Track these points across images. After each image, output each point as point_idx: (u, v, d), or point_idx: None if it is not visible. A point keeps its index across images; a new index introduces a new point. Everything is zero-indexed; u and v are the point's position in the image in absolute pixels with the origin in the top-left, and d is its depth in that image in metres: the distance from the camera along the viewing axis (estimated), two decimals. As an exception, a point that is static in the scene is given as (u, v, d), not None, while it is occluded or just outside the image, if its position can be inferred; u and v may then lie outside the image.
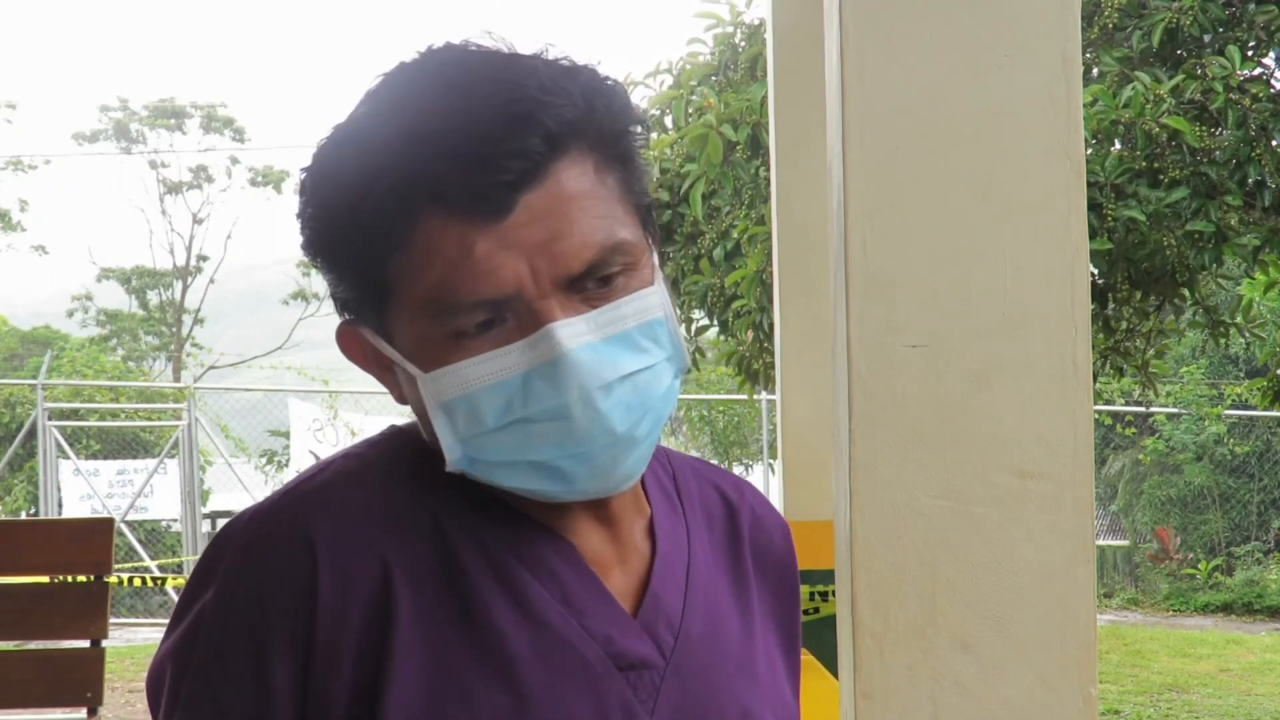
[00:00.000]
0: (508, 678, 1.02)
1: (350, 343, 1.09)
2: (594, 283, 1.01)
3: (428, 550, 1.04)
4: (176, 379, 22.85)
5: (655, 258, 1.08)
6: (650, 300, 1.04)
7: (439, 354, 1.01)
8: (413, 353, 1.02)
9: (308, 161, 1.06)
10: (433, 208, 0.98)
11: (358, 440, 1.14)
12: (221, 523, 14.32)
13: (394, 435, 1.13)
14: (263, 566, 1.02)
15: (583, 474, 1.02)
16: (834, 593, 2.86)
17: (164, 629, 1.15)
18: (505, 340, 1.00)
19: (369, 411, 14.09)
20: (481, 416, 1.00)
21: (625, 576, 1.11)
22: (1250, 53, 5.26)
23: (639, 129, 1.06)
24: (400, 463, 1.09)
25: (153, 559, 12.92)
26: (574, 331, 0.99)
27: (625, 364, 1.01)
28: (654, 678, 1.08)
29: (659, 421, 1.05)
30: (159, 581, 9.98)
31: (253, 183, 26.60)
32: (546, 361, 0.98)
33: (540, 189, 0.98)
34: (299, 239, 1.07)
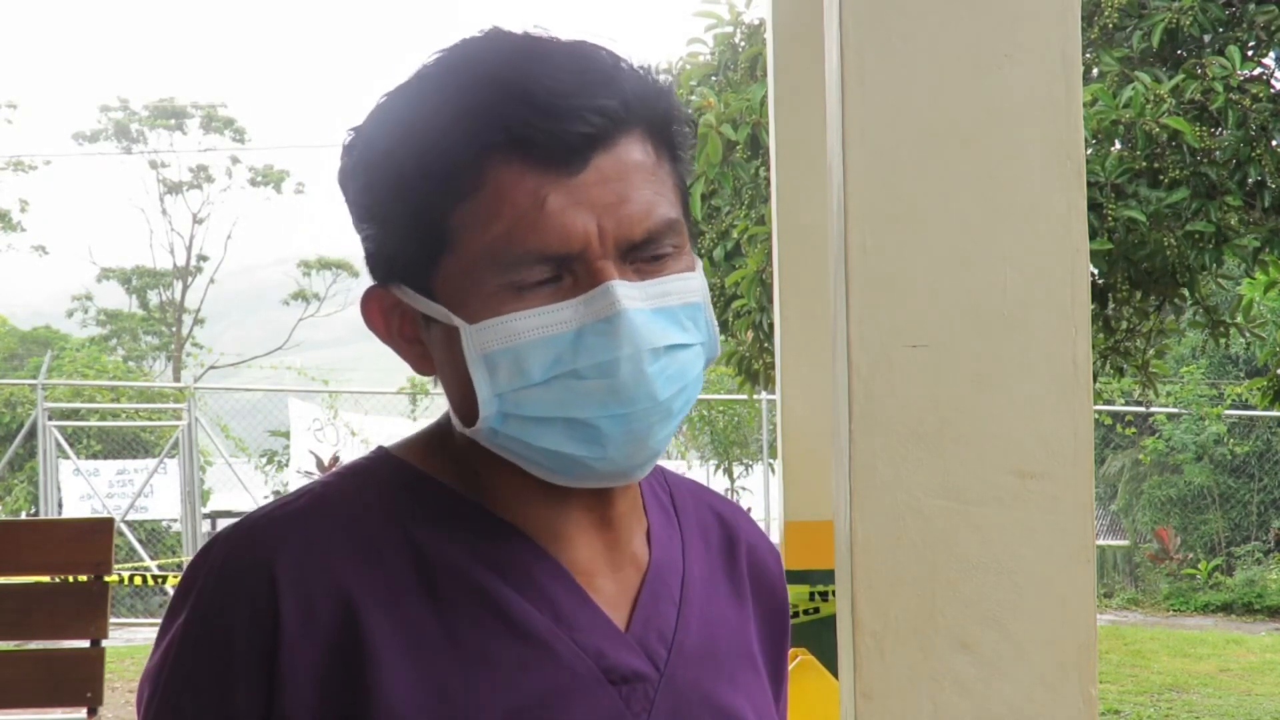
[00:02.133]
0: (500, 693, 1.03)
1: (374, 309, 1.09)
2: (647, 257, 1.03)
3: (404, 575, 1.04)
4: (176, 379, 22.85)
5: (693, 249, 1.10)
6: (692, 284, 1.06)
7: (490, 305, 1.01)
8: (459, 305, 1.02)
9: (359, 121, 1.07)
10: (508, 155, 0.99)
11: (348, 462, 1.15)
12: (222, 523, 14.35)
13: (380, 459, 1.13)
14: (228, 596, 1.03)
15: (618, 438, 1.02)
16: (834, 593, 2.86)
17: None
18: (561, 296, 1.01)
19: (369, 411, 14.08)
20: (527, 369, 1.01)
21: (619, 586, 1.11)
22: (1250, 53, 5.26)
23: (686, 127, 1.09)
24: (382, 487, 1.09)
25: (153, 559, 12.93)
26: (629, 294, 1.00)
27: (673, 335, 1.03)
28: (647, 690, 1.08)
29: (689, 403, 1.06)
30: (159, 581, 9.98)
31: (253, 183, 26.59)
32: (603, 318, 1.00)
33: (610, 154, 1.01)
34: (346, 198, 1.07)
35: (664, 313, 1.03)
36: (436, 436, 1.11)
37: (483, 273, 1.01)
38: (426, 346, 1.08)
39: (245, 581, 1.03)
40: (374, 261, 1.08)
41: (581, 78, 1.00)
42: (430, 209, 1.01)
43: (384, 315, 1.09)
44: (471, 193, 1.00)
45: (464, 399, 1.05)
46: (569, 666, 1.05)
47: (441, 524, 1.07)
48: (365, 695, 1.01)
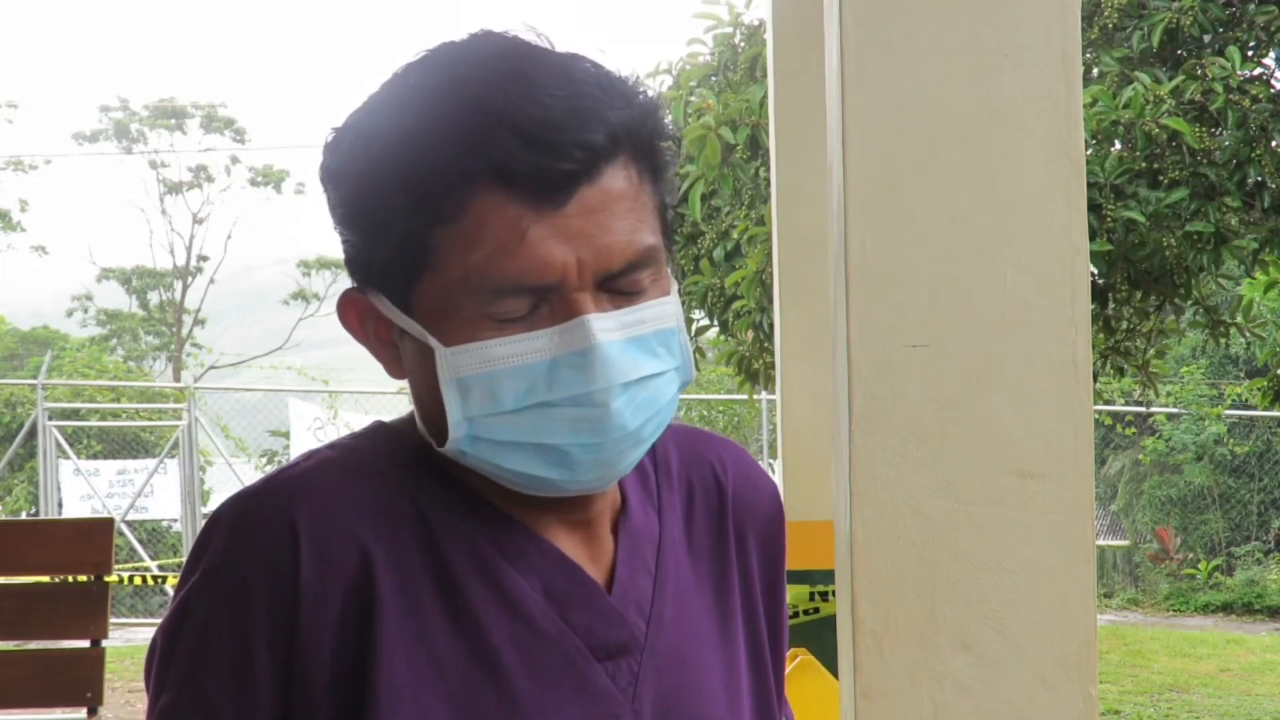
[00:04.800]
0: (492, 670, 1.04)
1: (351, 311, 1.09)
2: (624, 284, 1.03)
3: (412, 541, 1.05)
4: (177, 379, 22.83)
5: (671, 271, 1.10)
6: (667, 309, 1.06)
7: (466, 330, 1.01)
8: (435, 325, 1.03)
9: (339, 122, 1.06)
10: (493, 183, 0.98)
11: (344, 434, 1.15)
12: (221, 523, 14.32)
13: (379, 429, 1.13)
14: (246, 552, 1.03)
15: (588, 464, 1.03)
16: (834, 593, 2.86)
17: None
18: (536, 325, 1.01)
19: (369, 411, 14.07)
20: (500, 396, 1.01)
21: (595, 564, 1.12)
22: (1250, 53, 5.26)
23: (671, 144, 1.09)
24: (385, 455, 1.10)
25: (153, 559, 12.92)
26: (605, 326, 1.01)
27: (644, 366, 1.03)
28: (631, 664, 1.09)
29: (661, 426, 1.07)
30: (159, 581, 9.98)
31: (253, 183, 26.57)
32: (577, 351, 1.00)
33: (594, 185, 1.00)
34: (327, 199, 1.06)
35: (637, 342, 1.03)
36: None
37: (460, 297, 1.01)
38: (400, 351, 1.08)
39: (264, 535, 1.02)
40: (353, 267, 1.08)
41: (569, 106, 0.99)
42: (411, 228, 1.01)
43: (360, 318, 1.09)
44: (453, 217, 0.99)
45: (434, 416, 1.06)
46: (558, 645, 1.06)
47: (441, 492, 1.08)
48: (373, 651, 1.01)
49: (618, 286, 1.03)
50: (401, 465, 1.09)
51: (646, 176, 1.06)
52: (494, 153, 0.98)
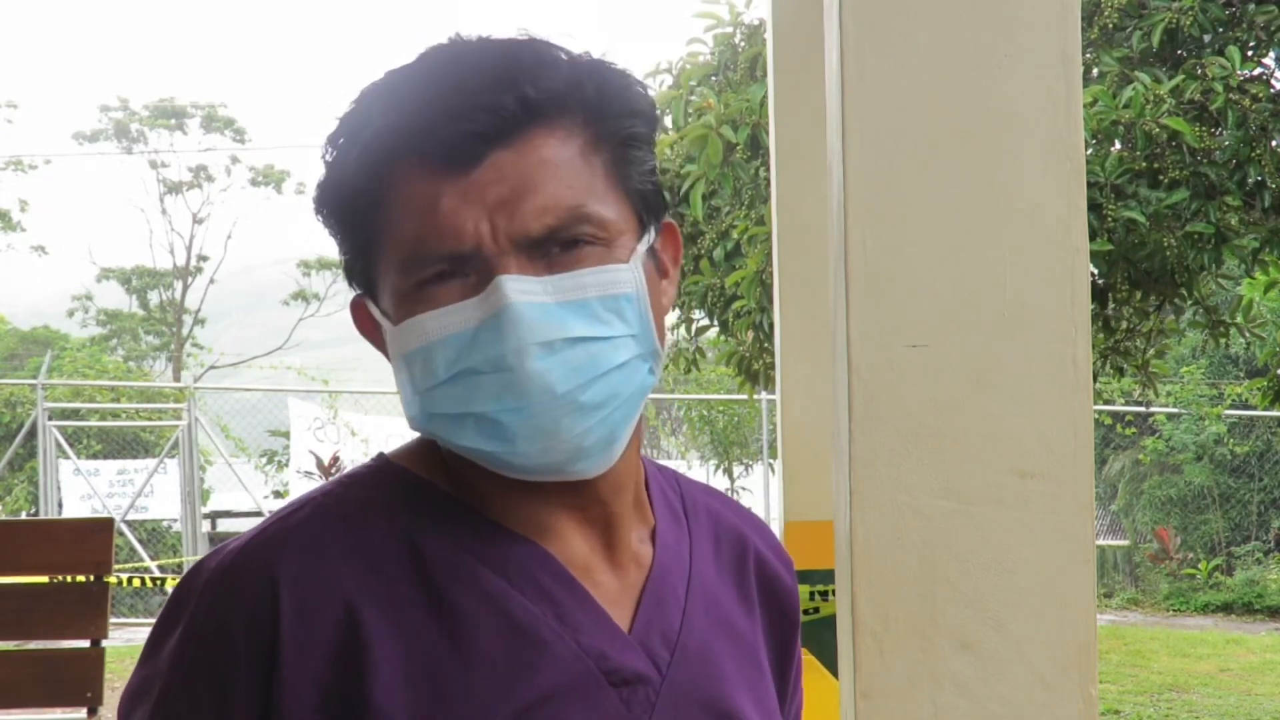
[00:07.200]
0: (503, 696, 1.03)
1: (361, 315, 1.11)
2: (558, 248, 1.02)
3: (408, 582, 1.04)
4: (177, 379, 22.82)
5: (644, 244, 1.07)
6: (618, 275, 1.04)
7: (407, 307, 1.03)
8: (389, 308, 1.05)
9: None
10: (409, 159, 1.01)
11: (346, 471, 1.15)
12: (222, 523, 14.36)
13: (379, 468, 1.13)
14: (227, 606, 1.03)
15: (523, 432, 1.01)
16: (834, 593, 2.86)
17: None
18: (465, 294, 1.02)
19: (369, 411, 14.08)
20: (435, 368, 1.02)
21: (622, 584, 1.11)
22: (1250, 53, 5.26)
23: (638, 118, 1.07)
24: (382, 495, 1.09)
25: (153, 559, 12.92)
26: (523, 288, 1.00)
27: (575, 329, 1.01)
28: (649, 694, 1.07)
29: (615, 396, 1.03)
30: (159, 581, 9.97)
31: (253, 183, 26.57)
32: (493, 313, 1.00)
33: (511, 150, 1.01)
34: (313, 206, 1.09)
35: (574, 305, 1.01)
36: (430, 443, 1.11)
37: (397, 276, 1.03)
38: None
39: (247, 593, 1.02)
40: (345, 272, 1.12)
41: (491, 74, 1.00)
42: (355, 219, 1.05)
43: (368, 317, 1.11)
44: (383, 200, 1.02)
45: None
46: (571, 668, 1.05)
47: (442, 528, 1.07)
48: (367, 703, 1.00)
49: (550, 252, 1.02)
50: (401, 504, 1.08)
51: (601, 147, 1.04)
52: (408, 129, 1.00)
